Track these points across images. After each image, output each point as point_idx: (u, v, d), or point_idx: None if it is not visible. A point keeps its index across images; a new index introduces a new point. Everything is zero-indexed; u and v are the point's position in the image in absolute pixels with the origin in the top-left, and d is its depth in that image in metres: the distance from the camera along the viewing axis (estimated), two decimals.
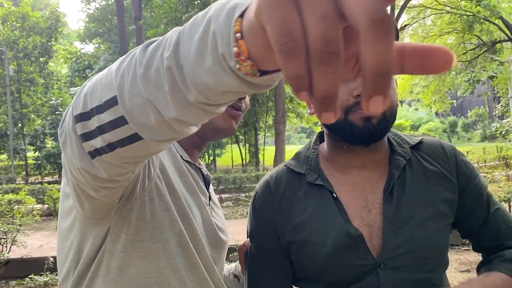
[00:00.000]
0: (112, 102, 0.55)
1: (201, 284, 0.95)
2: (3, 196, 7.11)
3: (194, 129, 0.59)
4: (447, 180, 1.03)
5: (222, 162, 20.72)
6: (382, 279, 0.94)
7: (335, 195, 1.01)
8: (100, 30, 25.63)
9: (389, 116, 0.98)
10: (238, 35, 0.40)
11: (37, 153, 15.75)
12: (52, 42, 19.43)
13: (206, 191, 1.09)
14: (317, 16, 0.31)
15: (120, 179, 0.72)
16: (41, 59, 18.87)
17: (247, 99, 1.10)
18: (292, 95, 18.59)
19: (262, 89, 0.47)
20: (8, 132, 15.98)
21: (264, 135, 19.09)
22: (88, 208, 0.82)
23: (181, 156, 1.03)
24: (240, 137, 18.90)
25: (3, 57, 16.81)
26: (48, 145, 16.04)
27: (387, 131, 1.01)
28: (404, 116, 33.71)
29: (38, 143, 15.79)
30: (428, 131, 24.04)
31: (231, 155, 18.51)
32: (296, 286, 1.10)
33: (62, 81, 22.29)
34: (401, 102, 36.52)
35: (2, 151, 18.20)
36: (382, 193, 1.00)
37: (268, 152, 18.03)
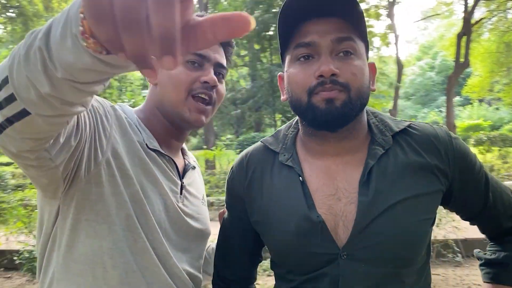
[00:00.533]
0: (5, 81, 0.63)
1: (150, 269, 0.96)
2: None
3: (80, 109, 0.66)
4: (434, 171, 0.94)
5: None
6: (342, 270, 0.90)
7: (301, 179, 0.97)
8: None
9: (355, 99, 0.90)
10: (81, 15, 0.47)
11: None
12: None
13: (178, 180, 1.10)
14: None
15: (31, 156, 0.76)
16: None
17: (221, 88, 1.09)
18: None
19: (122, 69, 0.54)
20: None
21: None
22: (38, 187, 0.90)
23: (146, 144, 1.03)
24: None
25: None
26: None
27: (352, 115, 0.92)
28: (483, 116, 31.62)
29: None
30: (510, 132, 22.27)
31: None
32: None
33: (135, 84, 23.48)
34: (480, 100, 34.33)
35: None
36: (357, 183, 0.93)
37: None
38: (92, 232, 0.92)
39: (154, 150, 1.05)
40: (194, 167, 1.23)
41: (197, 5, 18.28)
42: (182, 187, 1.11)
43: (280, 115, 18.62)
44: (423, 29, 61.72)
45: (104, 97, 20.00)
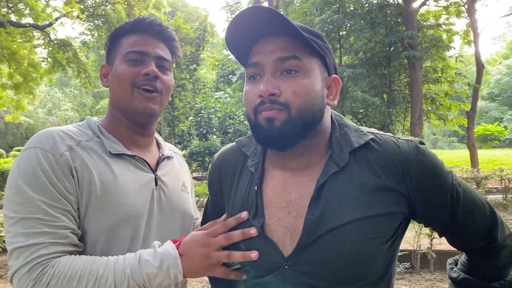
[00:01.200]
0: None
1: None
2: None
3: None
4: (392, 193, 0.93)
5: None
6: (285, 279, 0.94)
7: (256, 188, 1.01)
8: None
9: (296, 118, 0.91)
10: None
11: (183, 151, 17.48)
12: (200, 51, 21.34)
13: (150, 174, 1.19)
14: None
15: None
16: (190, 66, 20.86)
17: (165, 78, 1.18)
18: (433, 95, 17.35)
19: None
20: (161, 132, 18.07)
21: None
22: None
23: (109, 152, 1.13)
24: None
25: None
26: (192, 145, 17.66)
27: (294, 134, 0.92)
28: None
29: (184, 142, 17.50)
30: None
31: None
32: None
33: (208, 86, 24.37)
34: None
35: None
36: (309, 198, 0.95)
37: None
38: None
39: (118, 155, 1.14)
40: (170, 157, 1.31)
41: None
42: (156, 179, 1.20)
43: (350, 116, 18.29)
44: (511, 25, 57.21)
45: (180, 99, 21.03)
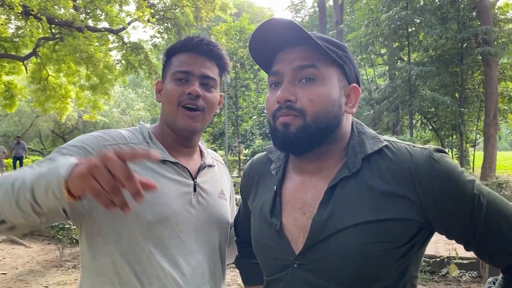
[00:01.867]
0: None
1: (155, 275, 1.16)
2: None
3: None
4: (400, 198, 0.92)
5: None
6: (294, 277, 0.98)
7: (275, 189, 1.07)
8: None
9: (311, 124, 0.95)
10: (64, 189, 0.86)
11: (246, 150, 17.76)
12: None
13: (190, 181, 1.28)
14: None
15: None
16: (254, 66, 21.07)
17: (209, 96, 1.25)
18: (511, 94, 16.23)
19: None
20: (225, 132, 18.47)
21: (475, 139, 17.17)
22: None
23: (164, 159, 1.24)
24: (447, 140, 17.42)
25: None
26: (255, 144, 17.89)
27: (310, 139, 0.96)
28: None
29: (247, 142, 17.77)
30: None
31: None
32: None
33: None
34: None
35: (222, 147, 21.17)
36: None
37: (479, 158, 16.12)
38: (102, 251, 1.16)
39: (162, 161, 1.23)
40: (211, 166, 1.40)
41: (333, 5, 18.24)
42: (195, 185, 1.28)
43: (420, 116, 17.59)
44: None
45: (244, 99, 21.37)
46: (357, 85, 1.03)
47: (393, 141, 1.00)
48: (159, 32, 19.03)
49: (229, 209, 1.42)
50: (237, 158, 19.49)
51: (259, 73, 21.58)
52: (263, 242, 1.06)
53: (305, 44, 0.97)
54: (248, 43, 1.03)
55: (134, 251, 1.15)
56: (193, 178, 1.29)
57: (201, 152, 1.43)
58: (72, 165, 0.86)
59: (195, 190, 1.28)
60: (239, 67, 20.62)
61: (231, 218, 1.44)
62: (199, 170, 1.33)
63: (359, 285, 0.93)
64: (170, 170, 1.25)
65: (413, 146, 0.98)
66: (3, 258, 6.14)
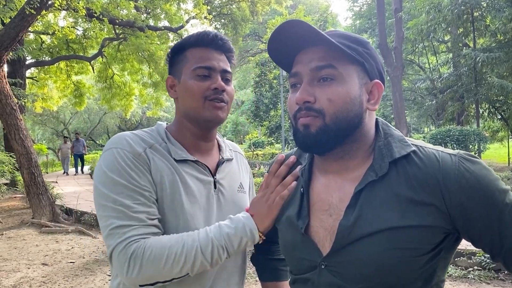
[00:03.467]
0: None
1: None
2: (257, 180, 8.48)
3: None
4: (427, 206, 0.91)
5: (499, 158, 18.41)
6: (320, 278, 0.99)
7: (302, 191, 1.08)
8: (366, 25, 26.35)
9: (331, 124, 0.96)
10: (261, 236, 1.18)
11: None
12: None
13: (210, 178, 1.30)
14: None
15: None
16: None
17: (229, 89, 1.29)
18: None
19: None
20: (281, 125, 18.48)
21: None
22: None
23: (174, 159, 1.25)
24: None
25: None
26: None
27: (330, 139, 0.97)
28: None
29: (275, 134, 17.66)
30: None
31: (508, 151, 16.27)
32: None
33: None
34: None
35: (278, 141, 21.22)
36: (347, 204, 0.98)
37: None
38: None
39: (182, 161, 1.25)
40: (229, 159, 1.42)
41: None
42: (215, 182, 1.31)
43: (487, 105, 16.65)
44: None
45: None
46: (379, 81, 1.01)
47: (421, 146, 0.99)
48: (216, 28, 19.33)
49: (248, 201, 1.43)
50: None
51: None
52: (290, 243, 1.08)
53: (323, 44, 0.96)
54: (267, 45, 1.03)
55: None
56: (213, 175, 1.32)
57: (219, 146, 1.44)
58: (249, 217, 1.19)
59: (215, 187, 1.31)
60: None
61: None
62: (217, 166, 1.35)
63: None
64: (191, 169, 1.27)
65: (442, 151, 0.96)
66: (72, 248, 6.55)
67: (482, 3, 14.55)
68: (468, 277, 4.69)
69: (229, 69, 1.31)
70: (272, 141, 22.12)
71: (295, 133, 1.01)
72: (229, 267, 1.29)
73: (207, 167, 1.31)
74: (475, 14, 15.26)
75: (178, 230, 1.18)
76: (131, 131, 1.28)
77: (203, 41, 1.28)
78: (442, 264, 0.96)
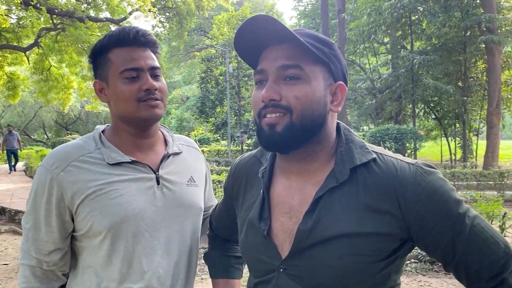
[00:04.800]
0: None
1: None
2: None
3: None
4: (383, 213, 0.93)
5: (432, 156, 19.46)
6: (278, 281, 0.99)
7: (262, 193, 1.06)
8: (310, 25, 26.84)
9: (297, 122, 0.95)
10: None
11: (249, 140, 17.77)
12: None
13: (151, 175, 1.28)
14: None
15: None
16: None
17: (161, 85, 1.26)
18: None
19: None
20: (227, 122, 18.47)
21: (478, 128, 17.13)
22: None
23: (108, 163, 1.24)
24: (451, 129, 17.38)
25: (225, 56, 19.41)
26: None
27: (296, 137, 0.96)
28: None
29: (250, 132, 17.76)
30: None
31: (441, 149, 17.22)
32: None
33: None
34: None
35: (224, 137, 21.19)
36: (307, 207, 0.98)
37: (482, 147, 16.09)
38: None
39: (116, 164, 1.24)
40: (178, 153, 1.38)
41: None
42: (158, 178, 1.28)
43: (423, 105, 17.53)
44: None
45: (246, 89, 21.29)
46: (343, 83, 1.01)
47: (381, 153, 1.00)
48: (160, 21, 18.94)
49: (202, 195, 1.42)
50: (240, 148, 19.52)
51: None
52: (251, 245, 1.07)
53: (290, 42, 0.95)
54: (234, 39, 1.01)
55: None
56: (155, 172, 1.29)
57: (165, 140, 1.41)
58: None
59: (158, 183, 1.28)
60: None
61: (210, 201, 1.51)
62: (162, 161, 1.32)
63: None
64: (127, 170, 1.25)
65: (401, 160, 0.98)
66: (5, 249, 6.18)
67: (419, 8, 15.26)
68: (406, 270, 4.93)
69: (157, 64, 1.27)
70: (218, 137, 22.04)
71: (259, 131, 1.00)
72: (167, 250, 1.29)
73: (147, 165, 1.28)
74: (413, 18, 16.00)
75: (117, 226, 1.20)
76: (66, 143, 1.29)
77: (125, 40, 1.23)
78: (396, 268, 0.98)
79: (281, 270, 0.98)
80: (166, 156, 1.33)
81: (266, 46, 0.99)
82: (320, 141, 1.00)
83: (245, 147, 17.99)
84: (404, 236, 0.94)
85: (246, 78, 20.54)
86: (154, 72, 1.25)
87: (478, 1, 14.48)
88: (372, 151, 1.00)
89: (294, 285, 0.96)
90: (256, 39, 0.98)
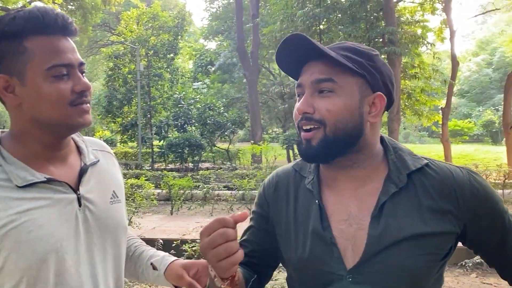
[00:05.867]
0: None
1: None
2: (126, 181, 7.95)
3: None
4: (446, 215, 1.00)
5: None
6: None
7: (318, 203, 1.07)
8: (222, 28, 26.93)
9: (331, 134, 1.00)
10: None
11: (161, 142, 17.25)
12: (178, 40, 20.99)
13: (71, 195, 1.05)
14: None
15: None
16: (168, 55, 20.52)
17: (90, 84, 1.06)
18: (409, 91, 17.68)
19: None
20: (138, 123, 17.74)
21: None
22: None
23: (16, 185, 0.97)
24: None
25: (135, 54, 18.68)
26: (170, 135, 17.43)
27: (332, 152, 1.02)
28: None
29: (162, 133, 17.26)
30: None
31: None
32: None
33: (186, 77, 24.05)
34: None
35: (133, 139, 20.31)
36: (369, 213, 1.01)
37: None
38: None
39: (27, 186, 0.98)
40: (95, 162, 1.16)
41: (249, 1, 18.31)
42: (79, 199, 1.06)
43: None
44: (481, 23, 58.90)
45: (157, 89, 20.68)
46: (382, 94, 1.04)
47: (431, 159, 1.07)
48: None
49: (125, 211, 1.22)
50: (150, 150, 18.86)
51: (173, 62, 21.07)
52: (314, 257, 1.04)
53: (325, 57, 1.01)
54: (274, 56, 1.09)
55: None
56: (75, 190, 1.06)
57: (78, 148, 1.16)
58: None
59: (80, 205, 1.05)
60: (151, 55, 19.88)
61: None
62: (80, 175, 1.09)
63: None
64: (42, 191, 1.00)
65: (451, 165, 1.07)
66: None
67: (331, 16, 16.04)
68: None
69: (82, 59, 1.05)
70: (126, 139, 21.06)
71: (298, 144, 1.07)
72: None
73: (65, 183, 1.04)
74: (322, 27, 16.76)
75: (37, 267, 0.96)
76: None
77: (51, 27, 0.98)
78: (443, 270, 1.06)
79: (349, 279, 0.99)
80: (85, 170, 1.10)
81: (306, 61, 1.05)
82: (360, 150, 1.04)
83: (156, 149, 17.41)
84: (459, 233, 1.02)
85: (157, 78, 19.94)
86: (81, 69, 1.04)
87: (380, 15, 15.60)
88: (422, 157, 1.07)
89: None
90: (295, 55, 1.04)
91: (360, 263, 0.98)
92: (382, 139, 1.10)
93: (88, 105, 1.05)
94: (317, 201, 1.07)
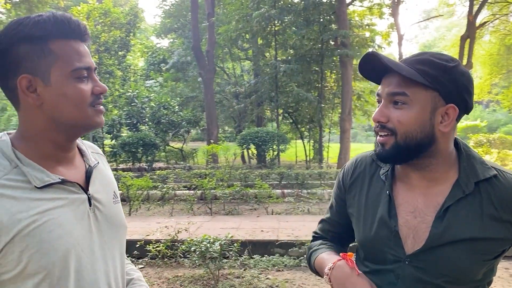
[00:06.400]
0: None
1: None
2: None
3: None
4: (504, 222, 1.12)
5: (286, 157, 20.86)
6: (404, 271, 1.16)
7: (389, 193, 1.23)
8: (175, 26, 26.50)
9: (402, 142, 1.13)
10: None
11: (113, 141, 16.77)
12: (130, 37, 20.50)
13: (83, 195, 1.10)
14: None
15: None
16: (119, 52, 19.98)
17: (107, 89, 1.14)
18: (359, 92, 18.31)
19: None
20: None
21: (329, 132, 18.97)
22: None
23: (35, 186, 1.01)
24: (305, 133, 18.92)
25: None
26: (123, 134, 16.99)
27: (402, 157, 1.16)
28: (479, 117, 31.96)
29: (114, 132, 16.80)
30: (506, 135, 22.58)
31: (295, 151, 18.61)
32: None
33: (139, 74, 23.54)
34: (479, 103, 34.57)
35: (82, 138, 19.53)
36: (434, 211, 1.15)
37: (332, 150, 17.88)
38: None
39: (44, 187, 1.02)
40: (96, 164, 1.21)
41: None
42: (89, 199, 1.12)
43: (282, 110, 18.74)
44: (423, 28, 61.95)
45: (108, 86, 19.81)
46: (454, 105, 1.12)
47: (499, 169, 1.17)
48: (6, 8, 16.80)
49: (122, 211, 1.28)
50: (101, 149, 18.25)
51: (124, 59, 20.55)
52: (380, 238, 1.21)
53: (401, 72, 1.10)
54: (357, 67, 1.23)
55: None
56: (85, 191, 1.12)
57: (80, 150, 1.21)
58: None
59: (90, 204, 1.12)
60: (102, 51, 19.28)
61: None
62: (88, 177, 1.15)
63: (460, 284, 1.14)
64: (58, 192, 1.05)
65: None
66: None
67: (285, 18, 16.29)
68: (301, 265, 5.27)
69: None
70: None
71: (375, 146, 1.22)
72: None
73: (77, 183, 1.10)
74: (277, 28, 16.98)
75: (60, 264, 1.00)
76: None
77: (75, 32, 1.05)
78: (496, 264, 1.22)
79: (407, 262, 1.16)
80: (90, 171, 1.16)
81: (385, 72, 1.17)
82: (433, 156, 1.16)
83: (108, 149, 16.93)
84: None
85: (108, 75, 19.38)
86: (94, 72, 1.12)
87: (333, 18, 16.04)
88: (492, 167, 1.17)
89: (419, 275, 1.14)
90: (376, 67, 1.16)
91: (419, 252, 1.14)
92: (456, 143, 1.21)
93: (103, 107, 1.13)
94: (387, 191, 1.23)
